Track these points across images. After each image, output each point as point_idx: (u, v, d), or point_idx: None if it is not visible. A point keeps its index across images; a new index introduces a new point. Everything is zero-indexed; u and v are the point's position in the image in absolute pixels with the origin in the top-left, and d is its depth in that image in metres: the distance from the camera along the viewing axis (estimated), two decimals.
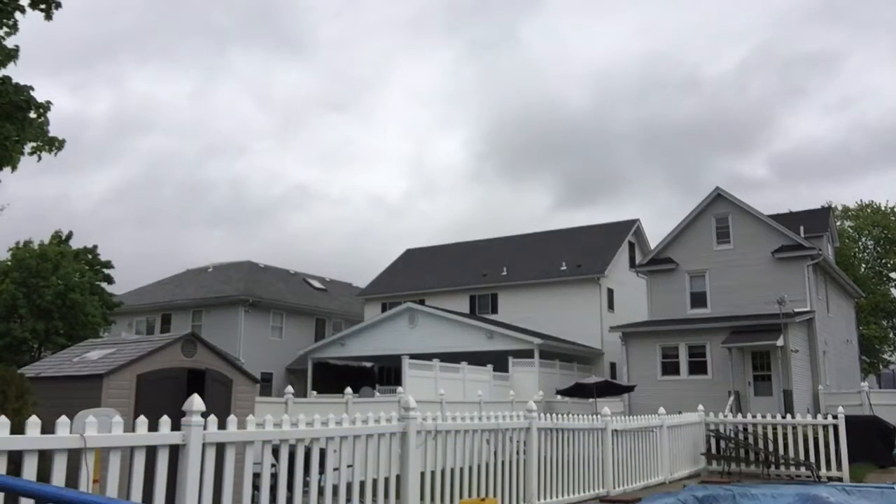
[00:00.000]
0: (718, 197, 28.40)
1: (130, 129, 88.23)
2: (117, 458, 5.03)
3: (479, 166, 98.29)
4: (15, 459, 4.43)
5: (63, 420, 4.71)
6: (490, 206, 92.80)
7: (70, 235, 31.00)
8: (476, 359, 27.01)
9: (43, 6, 9.33)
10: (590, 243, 35.61)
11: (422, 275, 39.28)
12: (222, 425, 5.81)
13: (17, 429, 4.52)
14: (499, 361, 27.87)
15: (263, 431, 6.23)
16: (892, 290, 46.63)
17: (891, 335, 45.49)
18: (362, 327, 33.15)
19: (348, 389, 16.87)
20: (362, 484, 7.40)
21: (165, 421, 5.36)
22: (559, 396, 24.41)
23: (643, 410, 17.00)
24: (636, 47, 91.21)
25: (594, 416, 12.37)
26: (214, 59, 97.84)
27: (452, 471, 8.71)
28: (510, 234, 40.78)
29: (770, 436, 15.39)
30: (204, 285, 39.34)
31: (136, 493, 5.11)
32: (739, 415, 16.81)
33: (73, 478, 4.71)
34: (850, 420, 14.90)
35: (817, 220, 31.92)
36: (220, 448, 5.75)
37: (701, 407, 16.57)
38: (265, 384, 32.54)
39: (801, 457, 14.84)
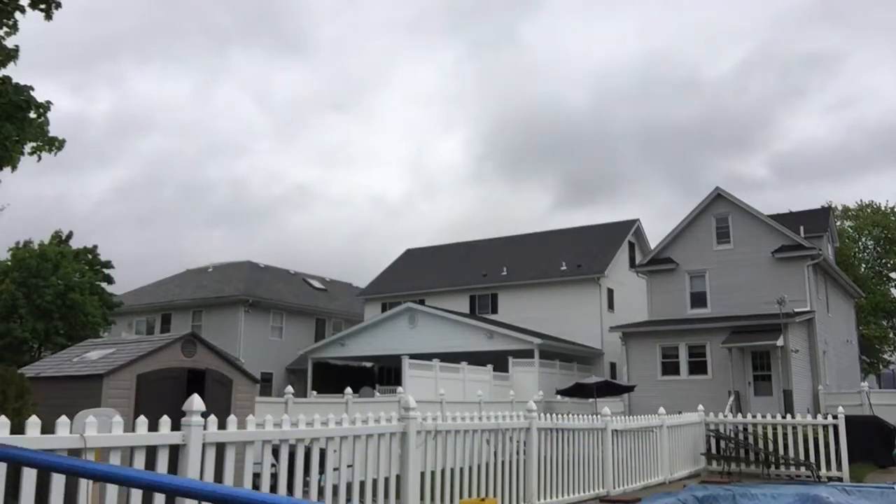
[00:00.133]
0: (718, 197, 28.40)
1: (131, 130, 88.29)
2: (117, 458, 5.03)
3: (479, 166, 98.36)
4: None
5: (63, 420, 4.71)
6: (490, 206, 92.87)
7: (70, 235, 31.00)
8: (476, 359, 27.01)
9: (43, 6, 9.33)
10: (590, 243, 35.62)
11: (422, 275, 39.29)
12: (222, 425, 5.81)
13: (17, 429, 4.52)
14: (499, 361, 27.87)
15: (263, 431, 6.23)
16: (892, 290, 46.63)
17: (891, 335, 45.47)
18: (362, 327, 33.15)
19: (348, 389, 16.87)
20: (362, 484, 7.40)
21: (165, 421, 5.36)
22: (559, 396, 24.42)
23: (643, 410, 16.99)
24: (636, 47, 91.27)
25: (594, 416, 12.37)
26: (215, 59, 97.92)
27: (452, 471, 8.71)
28: (510, 234, 40.82)
29: (770, 436, 15.39)
30: (204, 285, 39.34)
31: (136, 493, 5.11)
32: (739, 415, 16.80)
33: (72, 478, 4.71)
34: (850, 420, 14.90)
35: (817, 220, 31.92)
36: (220, 448, 5.75)
37: (701, 407, 16.57)
38: (265, 384, 32.55)
39: (801, 457, 14.84)
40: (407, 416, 7.98)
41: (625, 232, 36.75)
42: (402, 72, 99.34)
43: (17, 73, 9.50)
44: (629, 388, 24.82)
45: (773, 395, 23.70)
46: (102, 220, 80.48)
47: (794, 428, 15.15)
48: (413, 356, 25.05)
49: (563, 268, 34.29)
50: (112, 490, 4.97)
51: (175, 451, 5.40)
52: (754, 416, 15.78)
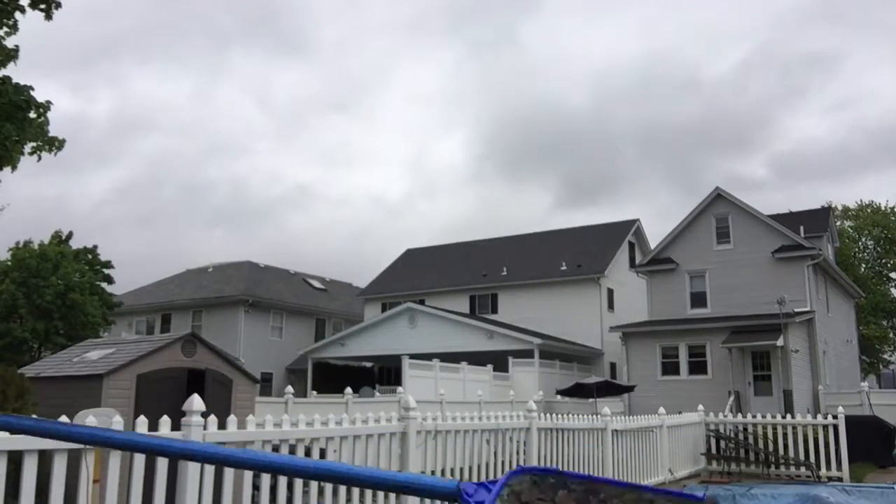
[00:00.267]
0: (718, 197, 28.40)
1: (131, 130, 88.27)
2: (117, 458, 5.03)
3: (479, 166, 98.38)
4: (15, 459, 4.43)
5: (63, 420, 4.70)
6: (490, 206, 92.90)
7: (70, 235, 31.00)
8: (476, 359, 27.01)
9: (43, 6, 9.33)
10: (590, 243, 35.62)
11: (422, 275, 39.29)
12: (222, 425, 5.81)
13: None
14: (499, 361, 27.87)
15: (263, 431, 6.24)
16: (892, 290, 46.65)
17: (891, 335, 45.48)
18: (362, 327, 33.15)
19: (348, 389, 16.87)
20: None
21: (165, 421, 5.36)
22: (559, 396, 24.42)
23: (643, 410, 16.99)
24: (636, 48, 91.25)
25: (594, 416, 12.37)
26: (215, 59, 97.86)
27: (452, 471, 8.70)
28: (510, 234, 40.83)
29: (770, 436, 15.39)
30: (204, 285, 39.35)
31: (136, 493, 5.12)
32: (739, 415, 16.81)
33: (73, 477, 4.71)
34: (850, 420, 14.90)
35: (817, 220, 31.93)
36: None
37: (701, 407, 16.57)
38: (265, 384, 32.54)
39: (801, 457, 14.84)
40: (407, 416, 7.98)
41: (625, 232, 36.76)
42: (402, 72, 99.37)
43: (17, 73, 9.51)
44: (629, 388, 24.82)
45: (773, 395, 23.70)
46: (102, 220, 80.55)
47: (794, 428, 15.14)
48: (413, 356, 25.05)
49: (563, 268, 34.29)
50: (112, 490, 4.98)
51: None
52: (754, 416, 15.78)
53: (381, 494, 7.54)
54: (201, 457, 2.43)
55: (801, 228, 28.96)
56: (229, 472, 5.79)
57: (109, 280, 30.38)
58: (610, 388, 24.27)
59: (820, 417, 15.53)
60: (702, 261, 28.18)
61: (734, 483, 12.60)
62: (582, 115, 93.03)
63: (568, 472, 3.10)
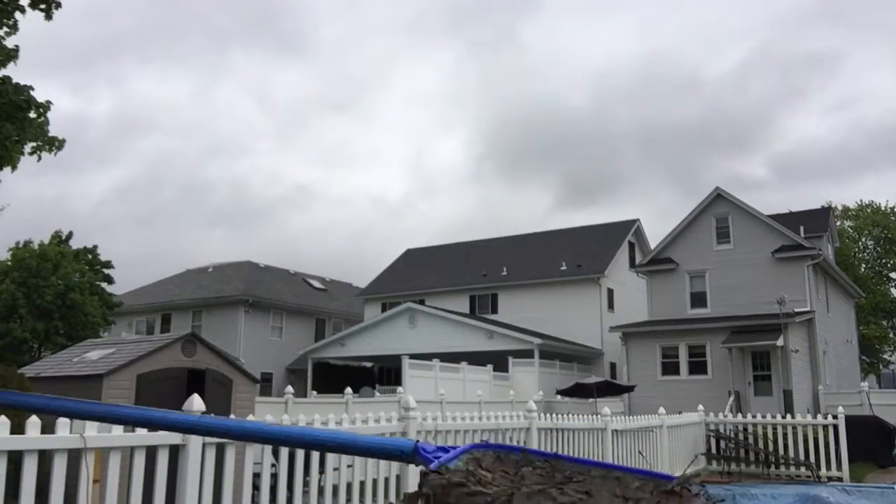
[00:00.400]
0: (718, 197, 28.40)
1: (131, 130, 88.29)
2: (117, 457, 5.03)
3: (479, 166, 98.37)
4: (15, 459, 4.43)
5: (63, 420, 4.70)
6: (490, 206, 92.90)
7: (70, 235, 30.99)
8: (476, 359, 27.01)
9: (43, 6, 9.31)
10: (590, 243, 35.62)
11: (422, 275, 39.29)
12: None
13: (17, 429, 4.52)
14: (499, 361, 27.87)
15: None
16: (892, 290, 46.64)
17: (891, 335, 45.47)
18: (362, 327, 33.15)
19: (348, 389, 16.87)
20: (362, 484, 7.40)
21: None
22: (559, 396, 24.41)
23: (643, 410, 16.99)
24: (636, 48, 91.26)
25: (594, 416, 12.37)
26: (215, 59, 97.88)
27: None
28: (510, 234, 40.84)
29: (770, 436, 15.39)
30: (204, 285, 39.35)
31: (136, 493, 5.11)
32: (739, 415, 16.81)
33: (73, 477, 4.71)
34: (850, 420, 14.90)
35: (817, 220, 31.93)
36: (220, 448, 5.75)
37: (701, 407, 16.57)
38: (265, 384, 32.55)
39: (801, 457, 14.84)
40: (407, 416, 7.98)
41: (625, 232, 36.76)
42: (402, 72, 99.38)
43: (17, 73, 9.50)
44: (629, 388, 24.82)
45: (773, 395, 23.70)
46: (102, 220, 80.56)
47: (794, 428, 15.14)
48: (413, 356, 25.05)
49: (563, 268, 34.29)
50: (112, 490, 4.98)
51: (175, 452, 5.39)
52: (754, 416, 15.78)
53: (381, 495, 7.54)
54: (184, 425, 2.50)
55: (801, 228, 28.97)
56: (229, 473, 5.79)
57: (109, 280, 30.38)
58: (610, 388, 24.26)
59: (820, 417, 15.53)
60: (702, 261, 28.18)
61: (734, 483, 12.60)
62: (582, 115, 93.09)
63: (533, 449, 3.07)
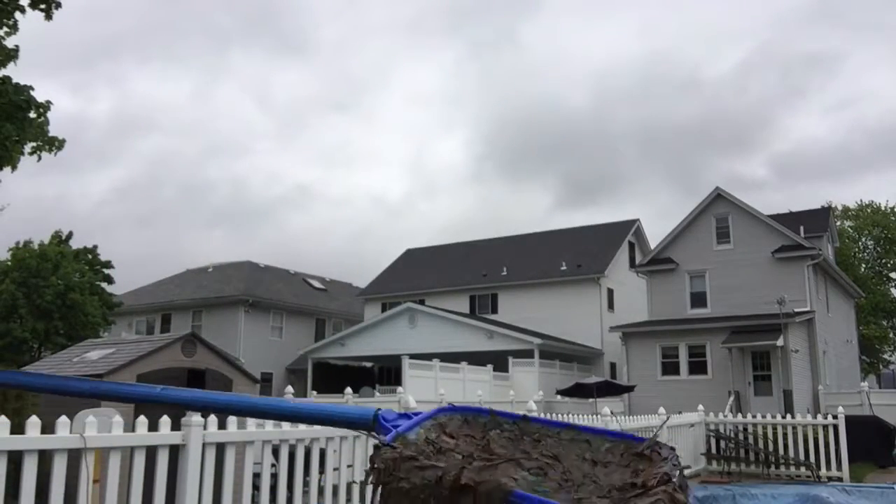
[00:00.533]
0: (718, 197, 28.41)
1: (131, 130, 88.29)
2: (117, 458, 5.03)
3: (479, 166, 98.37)
4: (15, 459, 4.43)
5: (63, 420, 4.70)
6: (490, 206, 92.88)
7: (70, 235, 31.00)
8: (476, 359, 27.01)
9: (43, 6, 9.31)
10: (590, 243, 35.63)
11: (422, 275, 39.29)
12: (222, 425, 5.80)
13: (17, 429, 4.52)
14: (499, 361, 27.87)
15: (263, 431, 6.23)
16: (892, 290, 46.64)
17: (891, 335, 45.48)
18: (362, 327, 33.15)
19: (348, 389, 16.87)
20: (362, 484, 7.39)
21: (165, 421, 5.36)
22: (559, 396, 24.41)
23: (643, 410, 16.99)
24: (636, 48, 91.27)
25: (594, 416, 12.36)
26: (215, 59, 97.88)
27: None
28: (510, 234, 40.84)
29: (770, 436, 15.38)
30: (204, 285, 39.34)
31: (136, 493, 5.11)
32: (739, 415, 16.81)
33: (73, 477, 4.71)
34: (850, 420, 14.90)
35: (817, 220, 31.94)
36: (220, 448, 5.75)
37: (701, 407, 16.57)
38: (265, 384, 32.56)
39: (801, 457, 14.83)
40: None
41: (625, 232, 36.76)
42: (402, 72, 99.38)
43: (17, 73, 9.51)
44: (629, 388, 24.82)
45: (773, 395, 23.70)
46: (102, 220, 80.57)
47: (794, 428, 15.14)
48: (413, 356, 25.06)
49: (563, 268, 34.29)
50: (112, 490, 4.98)
51: (175, 451, 5.39)
52: (754, 416, 15.77)
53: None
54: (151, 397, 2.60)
55: (801, 228, 28.97)
56: (229, 473, 5.79)
57: (109, 280, 30.39)
58: (610, 388, 24.26)
59: (820, 417, 15.52)
60: (702, 261, 28.19)
61: (734, 483, 12.60)
62: (582, 115, 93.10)
63: (501, 411, 3.04)
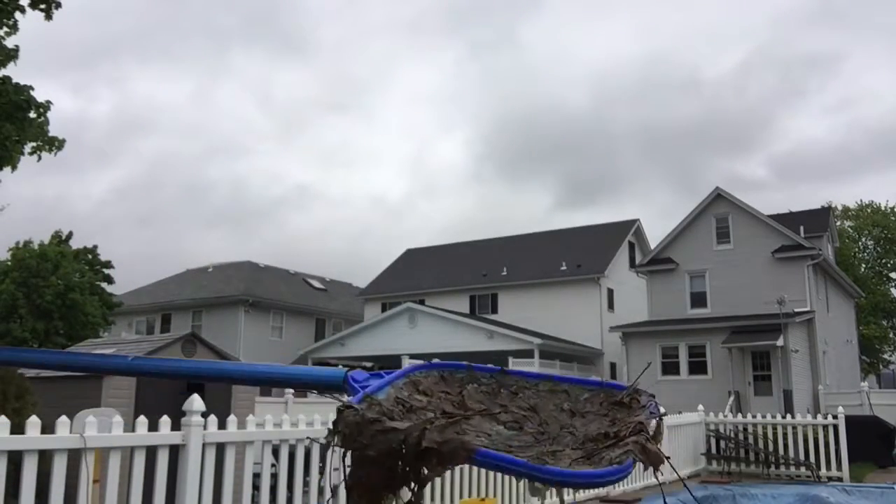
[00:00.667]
0: (718, 197, 28.41)
1: (131, 130, 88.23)
2: (117, 458, 5.03)
3: (479, 166, 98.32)
4: (15, 459, 4.43)
5: (63, 420, 4.71)
6: (490, 206, 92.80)
7: (70, 235, 31.01)
8: (476, 359, 26.57)
9: (43, 6, 9.32)
10: (590, 243, 35.63)
11: (422, 275, 39.29)
12: (222, 425, 5.80)
13: (17, 429, 4.52)
14: (499, 361, 27.70)
15: (263, 431, 6.23)
16: (892, 290, 46.66)
17: (891, 335, 45.50)
18: (362, 327, 33.16)
19: None
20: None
21: (165, 421, 5.36)
22: None
23: None
24: (636, 48, 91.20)
25: None
26: (215, 59, 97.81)
27: (452, 470, 8.70)
28: (510, 234, 40.83)
29: (770, 436, 15.38)
30: (204, 285, 39.34)
31: (136, 493, 5.12)
32: (739, 415, 16.80)
33: (73, 477, 4.72)
34: (850, 420, 14.89)
35: (817, 220, 31.94)
36: (220, 448, 5.75)
37: (701, 407, 16.57)
38: None
39: (801, 457, 14.83)
40: None
41: (625, 232, 36.77)
42: (402, 72, 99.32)
43: (17, 73, 9.51)
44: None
45: (773, 395, 23.70)
46: (102, 220, 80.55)
47: (794, 428, 15.14)
48: (413, 356, 25.08)
49: (563, 268, 34.29)
50: (112, 490, 4.98)
51: (175, 452, 5.40)
52: (754, 416, 15.77)
53: None
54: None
55: (801, 228, 28.97)
56: (229, 473, 5.79)
57: (109, 280, 30.39)
58: None
59: (820, 417, 15.52)
60: (702, 261, 28.19)
61: (734, 483, 12.60)
62: (582, 115, 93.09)
63: (479, 366, 2.99)
